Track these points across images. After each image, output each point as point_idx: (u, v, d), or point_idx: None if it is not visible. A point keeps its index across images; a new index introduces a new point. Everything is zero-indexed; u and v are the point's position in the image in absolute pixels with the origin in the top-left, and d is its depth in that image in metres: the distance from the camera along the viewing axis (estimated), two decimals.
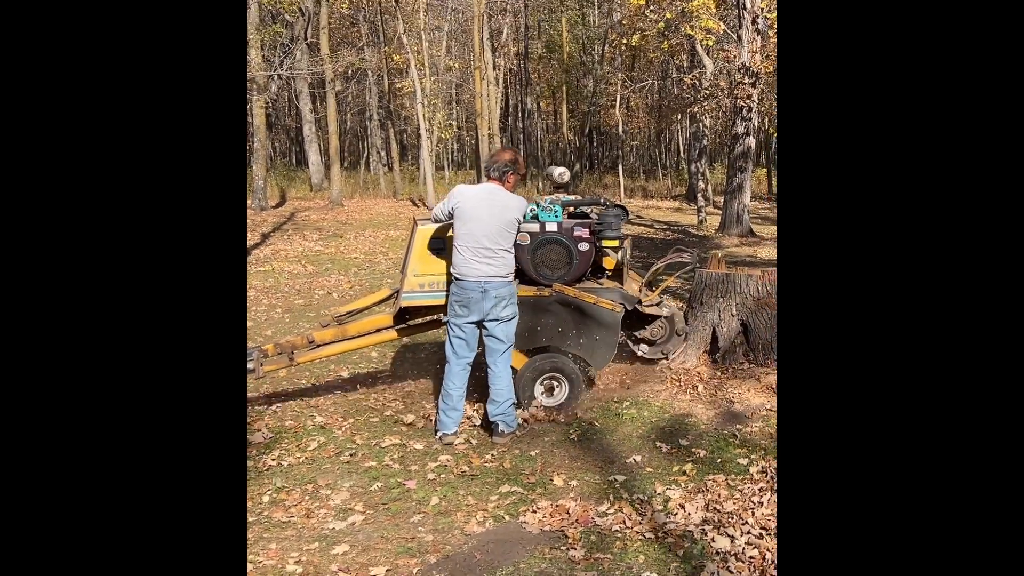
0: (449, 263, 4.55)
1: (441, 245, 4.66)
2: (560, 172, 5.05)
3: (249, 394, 5.35)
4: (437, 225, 4.65)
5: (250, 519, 3.60)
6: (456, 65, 29.86)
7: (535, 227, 4.64)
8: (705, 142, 17.82)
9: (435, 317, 5.08)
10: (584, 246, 4.68)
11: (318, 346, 4.89)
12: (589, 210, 4.99)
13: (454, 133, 31.04)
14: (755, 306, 5.02)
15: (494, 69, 28.18)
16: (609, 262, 5.00)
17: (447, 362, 4.40)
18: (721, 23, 13.05)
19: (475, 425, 4.66)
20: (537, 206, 4.73)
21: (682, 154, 33.66)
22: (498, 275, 4.25)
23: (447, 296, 4.61)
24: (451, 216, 4.36)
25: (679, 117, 31.84)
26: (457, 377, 4.37)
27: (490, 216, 4.24)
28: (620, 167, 26.71)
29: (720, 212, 15.40)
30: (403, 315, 4.96)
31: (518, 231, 4.50)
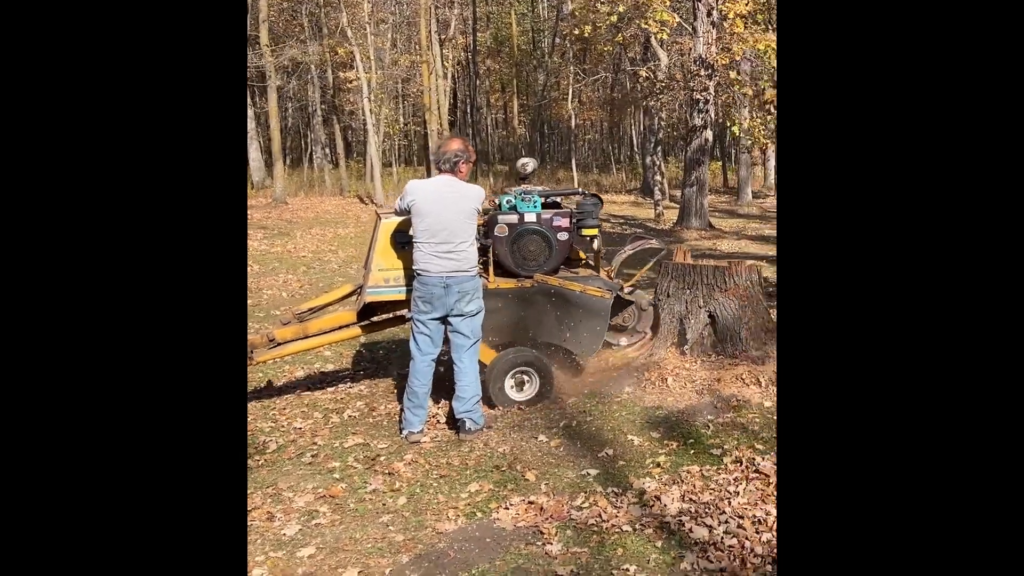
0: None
1: (406, 239, 4.65)
2: (523, 163, 5.09)
3: None
4: (401, 218, 4.64)
5: None
6: (402, 59, 29.68)
7: (514, 218, 4.68)
8: (661, 135, 18.05)
9: (400, 313, 5.07)
10: (563, 236, 4.73)
11: (278, 344, 4.85)
12: (561, 200, 5.05)
13: (401, 128, 30.91)
14: (722, 298, 5.11)
15: (443, 63, 28.09)
16: (575, 252, 5.07)
17: (412, 359, 4.40)
18: (676, 15, 13.22)
19: (440, 423, 4.66)
20: (515, 197, 4.76)
21: (635, 148, 34.00)
22: (460, 270, 4.26)
23: (412, 291, 4.61)
24: (405, 212, 4.35)
25: (632, 111, 32.21)
26: (422, 374, 4.36)
27: (446, 209, 4.24)
28: (573, 161, 26.92)
29: (677, 206, 15.62)
30: (367, 312, 4.94)
31: (488, 222, 4.51)
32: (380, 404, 5.10)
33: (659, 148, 17.16)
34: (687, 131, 13.89)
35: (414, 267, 4.33)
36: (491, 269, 4.76)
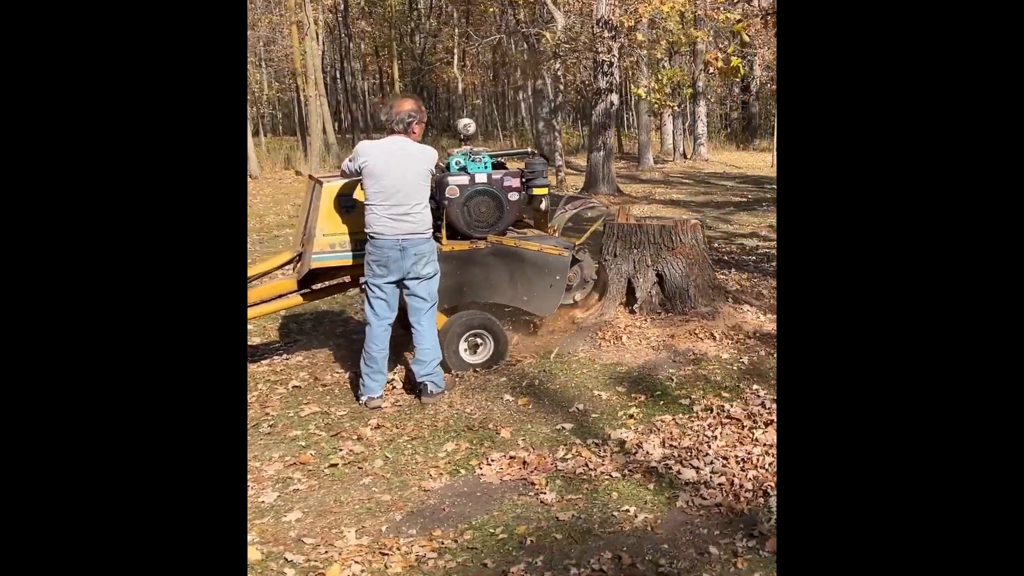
0: (360, 221, 4.56)
1: (351, 203, 4.68)
2: (465, 123, 5.18)
3: None
4: (344, 181, 4.66)
5: None
6: (263, 19, 28.84)
7: (464, 179, 4.77)
8: (560, 99, 18.34)
9: (343, 279, 5.09)
10: (514, 196, 4.87)
11: None
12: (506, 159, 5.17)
13: (267, 95, 30.20)
14: (670, 256, 5.38)
15: (314, 23, 27.49)
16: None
17: (368, 324, 4.46)
18: None
19: (396, 388, 4.74)
20: (464, 157, 4.85)
21: (523, 113, 34.28)
22: (416, 232, 4.34)
23: (358, 256, 4.65)
24: (356, 174, 4.39)
25: (518, 74, 32.43)
26: (379, 339, 4.44)
27: (400, 170, 4.30)
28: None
29: (581, 172, 15.94)
30: (309, 279, 4.94)
31: (438, 183, 4.60)
32: (324, 374, 5.12)
33: (558, 113, 17.43)
34: (592, 94, 14.19)
35: (367, 230, 4.37)
36: (443, 231, 4.85)
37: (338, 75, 37.51)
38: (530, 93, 26.67)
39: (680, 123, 22.96)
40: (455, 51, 26.37)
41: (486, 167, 4.90)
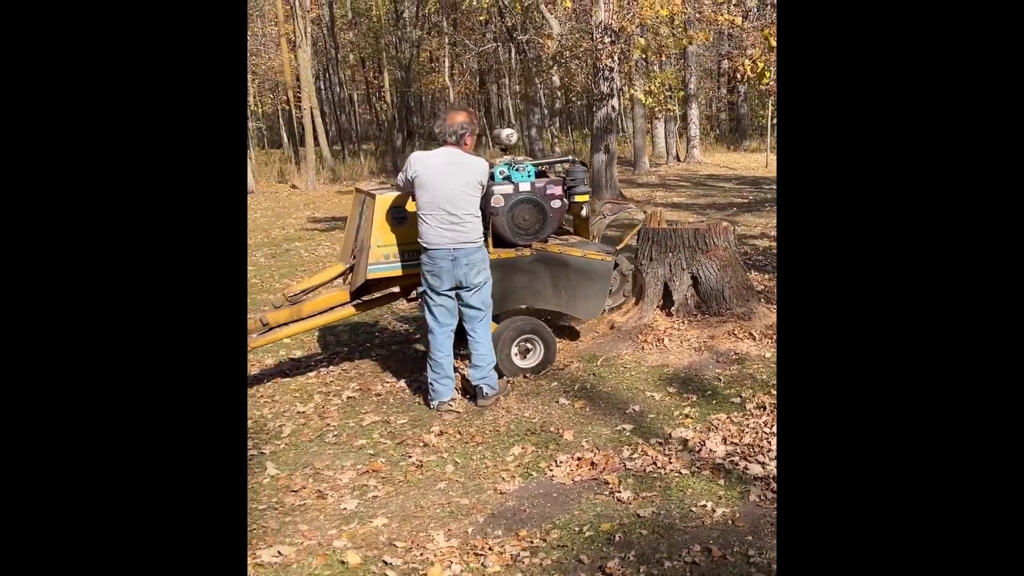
0: (412, 232, 4.72)
1: (403, 214, 4.82)
2: (508, 134, 5.32)
3: None
4: (396, 193, 4.80)
5: (261, 506, 3.67)
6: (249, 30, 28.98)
7: (509, 188, 4.91)
8: (558, 105, 18.52)
9: (393, 289, 5.23)
10: (556, 203, 5.01)
11: (271, 328, 4.91)
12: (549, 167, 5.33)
13: (253, 109, 30.30)
14: (704, 259, 5.54)
15: (304, 35, 27.60)
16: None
17: (430, 332, 4.60)
18: None
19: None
20: (508, 167, 4.99)
21: (512, 119, 34.43)
22: (468, 241, 4.49)
23: (412, 266, 4.80)
24: (409, 184, 4.52)
25: (507, 81, 32.60)
26: (443, 345, 4.58)
27: (452, 181, 4.44)
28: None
29: None
30: (361, 290, 5.07)
31: (484, 193, 4.74)
32: (374, 384, 5.25)
33: (556, 118, 17.60)
34: (594, 99, 14.36)
35: (420, 240, 4.51)
36: (490, 240, 5.00)
37: (322, 86, 37.58)
38: (519, 100, 26.90)
39: (672, 126, 23.20)
40: (444, 60, 26.46)
41: (529, 176, 5.04)
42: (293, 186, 22.20)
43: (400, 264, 4.90)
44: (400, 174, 4.63)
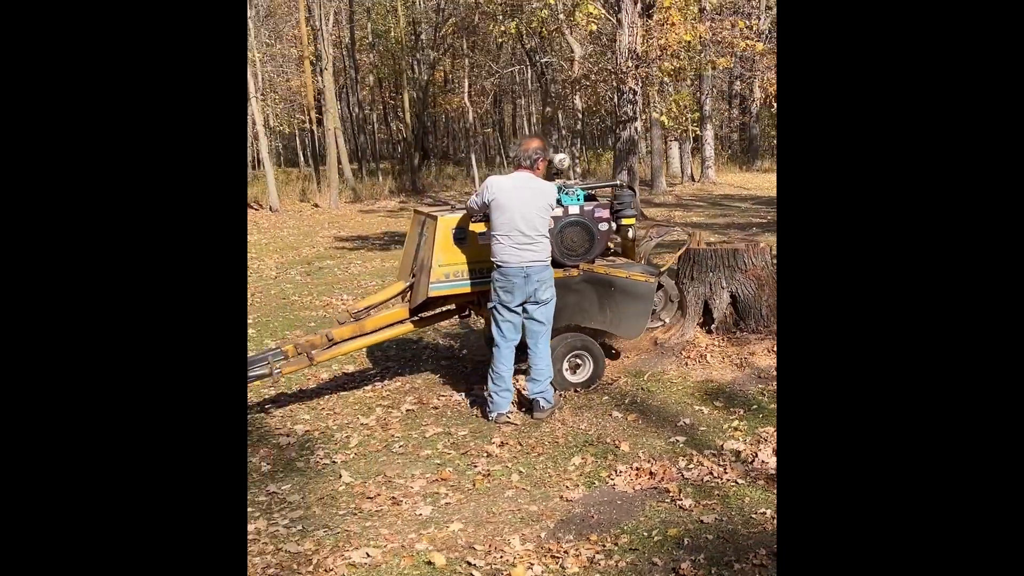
0: (470, 252, 5.02)
1: (463, 235, 5.08)
2: (560, 159, 5.58)
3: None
4: (458, 215, 5.07)
5: (340, 512, 3.90)
6: (275, 49, 29.41)
7: (558, 211, 5.16)
8: (579, 126, 18.83)
9: (449, 307, 5.49)
10: (603, 226, 5.26)
11: (335, 343, 5.16)
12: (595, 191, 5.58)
13: (281, 128, 30.72)
14: (742, 278, 5.78)
15: (327, 56, 28.05)
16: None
17: (496, 346, 4.85)
18: (600, 7, 13.92)
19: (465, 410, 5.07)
20: (559, 190, 5.24)
21: None
22: (538, 260, 4.75)
23: (472, 284, 5.07)
24: (485, 207, 4.79)
25: (525, 103, 33.05)
26: (506, 359, 4.83)
27: (526, 204, 4.72)
28: (473, 157, 27.40)
29: None
30: (420, 307, 5.32)
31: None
32: (430, 397, 5.48)
33: (578, 140, 17.91)
34: (617, 122, 14.64)
35: (493, 259, 4.78)
36: None
37: (340, 105, 38.00)
38: (537, 120, 27.28)
39: (687, 146, 23.51)
40: (465, 81, 26.89)
41: (579, 199, 5.30)
42: (315, 205, 22.53)
43: (459, 283, 5.16)
44: (474, 196, 4.91)
